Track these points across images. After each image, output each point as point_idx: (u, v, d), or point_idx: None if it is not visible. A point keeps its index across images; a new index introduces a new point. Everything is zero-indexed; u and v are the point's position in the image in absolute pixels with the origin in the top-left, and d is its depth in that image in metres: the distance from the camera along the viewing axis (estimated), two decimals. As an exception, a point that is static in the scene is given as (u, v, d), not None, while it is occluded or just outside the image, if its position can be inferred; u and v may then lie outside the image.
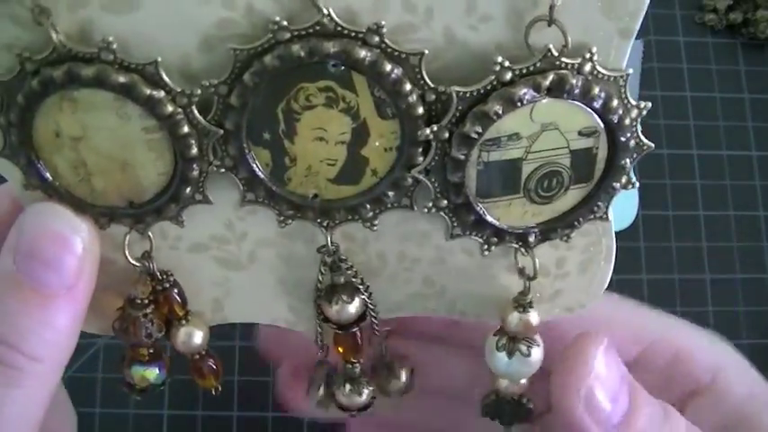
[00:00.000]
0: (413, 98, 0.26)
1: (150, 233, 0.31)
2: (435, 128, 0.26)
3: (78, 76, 0.26)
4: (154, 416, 0.53)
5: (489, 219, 0.28)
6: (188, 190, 0.29)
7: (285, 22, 0.25)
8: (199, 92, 0.26)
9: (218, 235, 0.31)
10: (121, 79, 0.26)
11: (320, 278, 0.31)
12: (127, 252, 0.30)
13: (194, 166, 0.28)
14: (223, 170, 0.28)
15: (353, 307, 0.31)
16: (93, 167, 0.28)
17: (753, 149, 0.67)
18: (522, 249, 0.30)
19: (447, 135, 0.26)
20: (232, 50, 0.25)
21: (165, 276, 0.32)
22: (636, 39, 0.26)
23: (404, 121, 0.26)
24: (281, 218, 0.29)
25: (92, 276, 0.30)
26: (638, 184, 0.29)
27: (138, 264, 0.31)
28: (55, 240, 0.29)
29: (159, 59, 0.26)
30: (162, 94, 0.26)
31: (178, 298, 0.32)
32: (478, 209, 0.28)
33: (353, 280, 0.31)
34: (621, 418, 0.30)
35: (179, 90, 0.26)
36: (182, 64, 0.26)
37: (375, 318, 0.33)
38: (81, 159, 0.28)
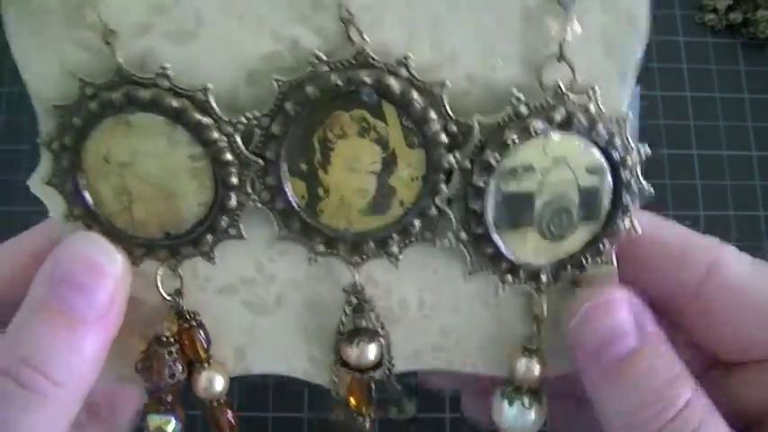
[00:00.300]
0: (437, 127, 0.29)
1: (181, 270, 0.32)
2: (458, 155, 0.29)
3: (136, 99, 0.29)
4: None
5: (505, 251, 0.30)
6: (224, 222, 0.31)
7: (324, 56, 0.28)
8: (244, 120, 0.29)
9: (247, 277, 0.32)
10: (174, 103, 0.29)
11: (343, 319, 0.32)
12: (160, 285, 0.32)
13: (233, 194, 0.30)
14: (260, 204, 0.30)
15: (372, 352, 0.32)
16: (137, 195, 0.30)
17: (753, 149, 0.67)
18: (535, 292, 0.32)
19: (469, 164, 0.29)
20: (275, 81, 0.29)
21: (192, 316, 0.32)
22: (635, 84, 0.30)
23: (429, 149, 0.29)
24: (312, 254, 0.31)
25: (121, 309, 0.30)
26: (640, 231, 0.31)
27: (168, 298, 0.32)
28: (90, 267, 0.30)
29: (210, 86, 0.29)
30: (210, 120, 0.29)
31: (203, 338, 0.32)
32: (496, 240, 0.30)
33: (375, 324, 0.32)
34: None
35: (225, 119, 0.29)
36: (229, 96, 0.29)
37: (390, 367, 0.33)
38: (126, 187, 0.30)
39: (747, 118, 0.67)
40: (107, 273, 0.30)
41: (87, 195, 0.30)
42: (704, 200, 0.65)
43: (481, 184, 0.29)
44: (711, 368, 0.33)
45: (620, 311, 0.30)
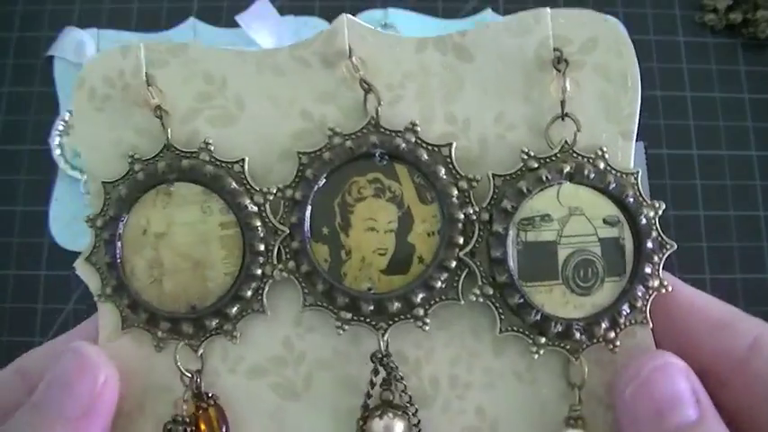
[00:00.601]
0: (448, 181, 0.31)
1: (202, 351, 0.32)
2: (477, 208, 0.30)
3: (177, 167, 0.31)
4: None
5: (533, 301, 0.30)
6: (249, 292, 0.31)
7: (338, 129, 0.32)
8: (274, 191, 0.32)
9: (276, 356, 0.32)
10: (211, 170, 0.31)
11: (370, 391, 0.31)
12: (178, 361, 0.31)
13: (260, 260, 0.31)
14: (285, 273, 0.31)
15: (399, 429, 0.30)
16: (168, 267, 0.32)
17: (753, 149, 0.66)
18: (571, 355, 0.30)
19: (488, 216, 0.30)
20: (297, 153, 0.32)
21: (208, 397, 0.31)
22: (637, 140, 0.32)
23: (442, 203, 0.31)
24: (339, 323, 0.31)
25: (109, 408, 0.31)
26: (671, 288, 0.31)
27: (188, 375, 0.31)
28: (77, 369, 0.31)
29: (246, 159, 0.32)
30: (243, 188, 0.32)
31: (219, 418, 0.31)
32: (520, 288, 0.30)
33: (403, 400, 0.31)
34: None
35: (257, 189, 0.32)
36: (263, 172, 0.32)
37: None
38: (158, 259, 0.32)
39: (747, 118, 0.67)
40: (92, 373, 0.30)
41: (121, 268, 0.32)
42: (704, 200, 0.65)
43: (501, 231, 0.30)
44: None
45: (679, 378, 0.29)
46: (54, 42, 0.72)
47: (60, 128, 0.70)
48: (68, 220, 0.68)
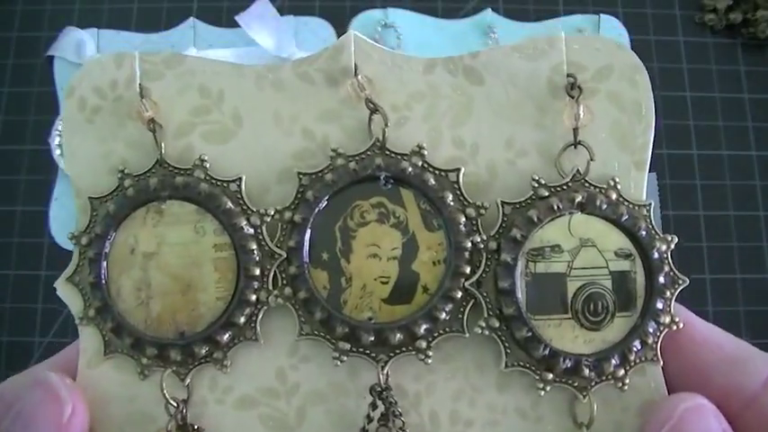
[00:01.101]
0: (456, 207, 0.30)
1: (190, 382, 0.30)
2: (486, 237, 0.30)
3: (171, 184, 0.30)
4: None
5: (541, 335, 0.29)
6: (242, 318, 0.30)
7: (342, 150, 0.30)
8: (272, 212, 0.30)
9: (268, 387, 0.30)
10: (206, 188, 0.30)
11: (366, 425, 0.29)
12: (164, 389, 0.30)
13: (255, 285, 0.30)
14: (281, 300, 0.30)
15: None
16: (156, 289, 0.30)
17: (753, 149, 0.66)
18: (579, 392, 0.29)
19: (495, 246, 0.29)
20: (297, 174, 0.30)
21: (194, 429, 0.30)
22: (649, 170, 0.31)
23: (449, 231, 0.30)
24: (337, 353, 0.30)
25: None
26: (682, 326, 0.30)
27: (173, 404, 0.30)
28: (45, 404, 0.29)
29: (243, 178, 0.31)
30: (239, 209, 0.30)
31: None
32: (528, 321, 0.29)
33: (401, 435, 0.30)
34: None
35: (254, 210, 0.30)
36: (259, 192, 0.31)
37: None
38: (147, 280, 0.30)
39: (747, 118, 0.68)
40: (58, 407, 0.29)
41: (106, 289, 0.30)
42: (704, 200, 0.65)
43: (510, 261, 0.29)
44: None
45: (712, 419, 0.28)
46: (54, 42, 0.72)
47: (60, 128, 0.69)
48: (68, 220, 0.68)
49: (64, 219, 0.70)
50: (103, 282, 0.30)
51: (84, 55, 0.72)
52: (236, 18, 0.69)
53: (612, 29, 0.71)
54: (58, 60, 0.72)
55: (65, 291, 0.31)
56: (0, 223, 0.70)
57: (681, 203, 0.64)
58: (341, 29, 0.73)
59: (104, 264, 0.30)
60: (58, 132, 0.69)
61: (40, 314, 0.67)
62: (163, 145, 0.31)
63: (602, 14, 0.71)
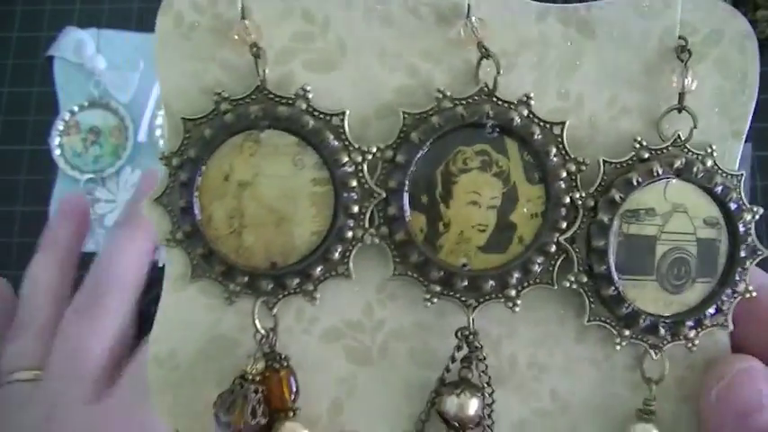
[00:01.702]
0: (558, 162, 0.30)
1: (277, 309, 0.31)
2: (584, 194, 0.30)
3: (273, 114, 0.30)
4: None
5: (626, 295, 0.31)
6: (337, 254, 0.30)
7: (449, 92, 0.30)
8: (374, 150, 0.30)
9: (354, 320, 0.32)
10: (310, 121, 0.30)
11: (450, 366, 0.31)
12: (256, 318, 0.31)
13: (351, 224, 0.30)
14: (377, 239, 0.31)
15: (474, 407, 0.31)
16: (250, 219, 0.30)
17: (753, 149, 0.65)
18: (653, 351, 0.31)
19: (593, 203, 0.30)
20: (402, 113, 0.30)
21: (281, 357, 0.31)
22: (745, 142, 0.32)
23: (549, 186, 0.30)
24: (428, 295, 0.31)
25: None
26: (756, 294, 0.32)
27: (262, 332, 0.31)
28: None
29: (347, 112, 0.30)
30: (340, 144, 0.30)
31: (291, 382, 0.31)
32: (616, 281, 0.30)
33: (482, 379, 0.31)
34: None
35: (356, 146, 0.30)
36: (360, 127, 0.31)
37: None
38: (240, 209, 0.30)
39: None
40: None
41: (197, 213, 0.30)
42: None
43: (606, 221, 0.30)
44: None
45: (761, 381, 0.30)
46: (54, 42, 0.73)
47: (60, 128, 0.72)
48: None
49: None
50: (194, 207, 0.30)
51: (85, 55, 0.73)
52: None
53: None
54: (58, 60, 0.73)
55: (152, 211, 0.31)
56: (0, 223, 0.72)
57: None
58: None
59: (196, 190, 0.30)
60: (58, 132, 0.71)
61: None
62: (265, 71, 0.30)
63: None
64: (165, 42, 0.31)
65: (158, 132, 0.71)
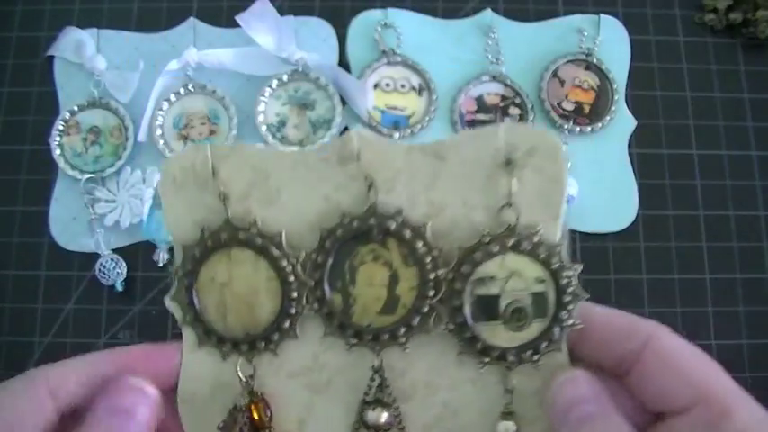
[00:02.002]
0: (424, 251, 0.46)
1: (254, 363, 0.48)
2: (444, 271, 0.45)
3: (236, 238, 0.46)
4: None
5: (479, 335, 0.45)
6: (287, 324, 0.47)
7: (349, 212, 0.46)
8: (303, 255, 0.47)
9: (306, 365, 0.48)
10: (260, 241, 0.46)
11: (368, 391, 0.47)
12: (239, 371, 0.47)
13: (294, 304, 0.47)
14: (312, 312, 0.47)
15: (384, 417, 0.46)
16: (229, 306, 0.47)
17: (753, 149, 0.70)
18: (506, 369, 0.46)
19: (452, 276, 0.45)
20: (320, 229, 0.46)
21: (259, 393, 0.48)
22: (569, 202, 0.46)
23: (420, 268, 0.46)
24: (347, 346, 0.47)
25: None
26: (581, 326, 0.46)
27: (244, 379, 0.47)
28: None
29: (283, 232, 0.47)
30: (281, 254, 0.47)
31: (265, 407, 0.47)
32: (472, 326, 0.45)
33: (389, 399, 0.47)
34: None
35: (290, 253, 0.47)
36: (294, 239, 0.47)
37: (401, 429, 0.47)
38: (223, 300, 0.47)
39: (747, 118, 0.71)
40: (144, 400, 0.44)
41: (197, 305, 0.47)
42: (704, 200, 0.68)
43: (460, 287, 0.45)
44: (657, 421, 0.46)
45: (581, 385, 0.45)
46: (54, 42, 0.74)
47: (60, 127, 0.72)
48: (68, 221, 0.73)
49: (64, 219, 0.72)
50: (195, 302, 0.47)
51: (84, 55, 0.74)
52: (236, 18, 0.71)
53: (612, 29, 0.75)
54: (58, 60, 0.75)
55: (171, 305, 0.48)
56: (0, 223, 0.72)
57: (681, 203, 0.68)
58: (341, 29, 0.76)
59: (194, 290, 0.47)
60: (58, 132, 0.72)
61: (40, 314, 0.69)
62: (229, 210, 0.47)
63: (602, 15, 0.74)
64: (166, 193, 0.48)
65: (158, 132, 0.71)
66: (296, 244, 0.47)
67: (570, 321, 0.46)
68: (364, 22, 0.76)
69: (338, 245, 0.46)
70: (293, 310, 0.47)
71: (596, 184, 0.70)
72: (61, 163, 0.72)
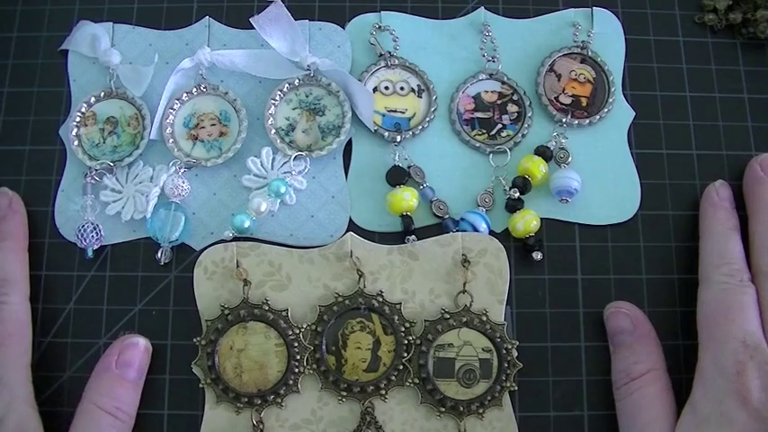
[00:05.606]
0: (400, 324, 0.68)
1: (263, 415, 0.68)
2: (414, 338, 0.68)
3: (252, 314, 0.68)
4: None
5: (438, 389, 0.67)
6: (291, 381, 0.68)
7: (343, 293, 0.69)
8: (305, 326, 0.69)
9: (307, 417, 0.68)
10: (271, 317, 0.69)
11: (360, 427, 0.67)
12: (253, 421, 0.68)
13: (297, 365, 0.68)
14: (311, 371, 0.68)
15: None
16: (245, 368, 0.68)
17: (753, 149, 0.73)
18: (457, 417, 0.67)
19: (419, 342, 0.68)
20: (318, 306, 0.69)
21: (266, 441, 0.68)
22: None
23: (396, 335, 0.68)
24: (340, 397, 0.67)
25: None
26: (516, 389, 0.68)
27: (257, 427, 0.67)
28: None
29: (289, 309, 0.69)
30: (287, 326, 0.69)
31: (272, 452, 0.67)
32: (433, 381, 0.67)
33: (373, 443, 0.67)
34: None
35: (296, 325, 0.69)
36: (298, 315, 0.69)
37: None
38: (239, 363, 0.68)
39: (747, 118, 0.74)
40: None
41: (218, 369, 0.68)
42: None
43: (425, 350, 0.67)
44: None
45: (621, 317, 0.68)
46: (68, 37, 0.77)
47: (77, 119, 0.75)
48: (74, 215, 0.74)
49: (71, 212, 0.73)
50: (216, 365, 0.68)
51: (99, 49, 0.76)
52: (251, 20, 0.73)
53: (607, 23, 0.78)
54: (72, 54, 0.78)
55: (196, 369, 0.69)
56: None
57: (681, 203, 0.71)
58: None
59: (216, 356, 0.69)
60: (75, 123, 0.74)
61: (40, 314, 0.71)
62: (248, 292, 0.70)
63: (595, 8, 0.77)
64: (199, 281, 0.70)
65: (168, 131, 0.74)
66: (299, 318, 0.69)
67: (508, 384, 0.67)
68: (359, 26, 0.79)
69: (333, 318, 0.69)
70: (297, 370, 0.68)
71: (597, 176, 0.74)
72: (79, 154, 0.74)
